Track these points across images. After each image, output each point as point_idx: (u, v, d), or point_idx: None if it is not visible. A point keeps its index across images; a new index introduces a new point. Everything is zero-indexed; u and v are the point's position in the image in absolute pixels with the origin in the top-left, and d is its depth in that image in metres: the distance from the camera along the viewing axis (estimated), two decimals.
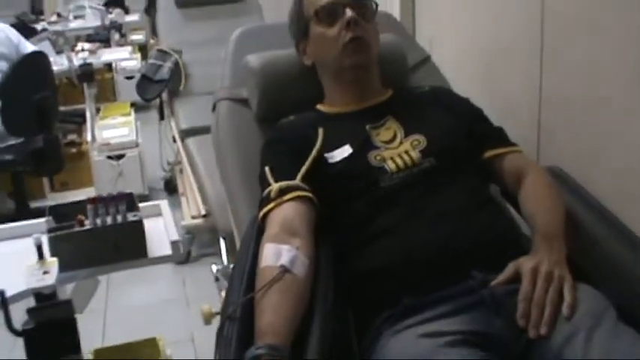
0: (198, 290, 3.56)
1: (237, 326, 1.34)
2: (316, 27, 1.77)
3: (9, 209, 4.26)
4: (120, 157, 4.48)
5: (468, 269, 1.43)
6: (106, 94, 6.35)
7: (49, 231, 1.72)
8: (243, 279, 1.44)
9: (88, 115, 4.78)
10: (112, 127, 4.62)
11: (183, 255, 3.42)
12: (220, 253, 3.60)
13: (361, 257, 1.54)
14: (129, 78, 6.33)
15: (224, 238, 3.60)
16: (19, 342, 1.61)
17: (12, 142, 3.87)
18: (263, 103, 1.91)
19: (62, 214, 1.78)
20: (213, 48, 4.34)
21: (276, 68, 1.92)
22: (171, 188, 4.64)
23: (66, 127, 5.18)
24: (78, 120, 5.35)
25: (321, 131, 1.68)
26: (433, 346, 1.31)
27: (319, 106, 1.84)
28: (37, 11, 8.15)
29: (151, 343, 2.28)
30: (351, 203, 1.60)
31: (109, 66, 6.05)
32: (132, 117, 4.81)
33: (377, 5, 1.83)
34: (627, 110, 1.61)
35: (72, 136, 4.98)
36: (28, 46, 4.11)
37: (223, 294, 2.71)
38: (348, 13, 1.71)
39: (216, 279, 3.46)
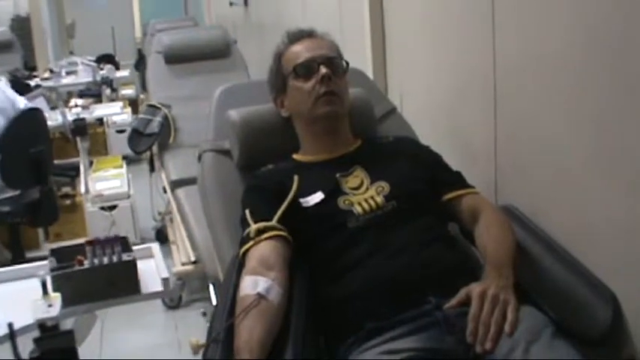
0: (190, 334, 3.68)
1: (220, 348, 1.52)
2: (294, 81, 1.97)
3: (6, 259, 4.39)
4: (112, 207, 4.61)
5: (424, 295, 1.61)
6: (98, 148, 6.46)
7: (52, 270, 1.90)
8: (226, 308, 1.62)
9: (81, 167, 4.93)
10: (105, 180, 4.77)
11: (174, 292, 3.54)
12: (210, 298, 3.76)
13: (329, 288, 1.72)
14: (120, 132, 6.47)
15: (213, 284, 3.75)
16: None
17: (9, 194, 3.99)
18: (244, 154, 2.09)
19: (63, 256, 1.96)
20: (200, 102, 4.49)
21: (255, 121, 2.11)
22: (162, 237, 4.73)
23: (59, 180, 5.29)
24: (71, 173, 5.46)
25: (296, 178, 1.87)
26: None
27: (295, 156, 2.03)
28: (30, 67, 8.35)
29: None
30: (322, 242, 1.78)
31: (100, 120, 6.18)
32: (124, 169, 4.96)
33: (348, 64, 2.04)
34: (573, 151, 1.79)
35: (66, 189, 5.10)
36: (21, 102, 4.28)
37: (194, 338, 2.90)
38: (323, 69, 1.92)
39: (209, 322, 3.61)
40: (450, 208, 1.93)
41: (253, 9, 6.23)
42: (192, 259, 3.84)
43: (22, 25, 9.22)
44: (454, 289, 1.58)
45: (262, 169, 1.98)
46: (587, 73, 1.70)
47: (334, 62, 1.98)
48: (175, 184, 3.92)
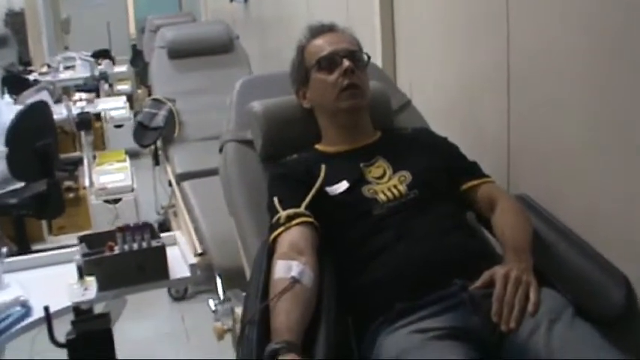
0: (196, 324, 3.75)
1: (255, 329, 1.59)
2: (317, 74, 2.04)
3: (12, 252, 4.44)
4: (116, 201, 4.69)
5: (450, 278, 1.68)
6: (96, 143, 6.52)
7: (84, 256, 1.96)
8: (259, 291, 1.69)
9: (85, 161, 5.00)
10: (109, 173, 4.83)
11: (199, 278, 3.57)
12: (216, 289, 3.82)
13: (358, 273, 1.79)
14: (118, 127, 6.53)
15: (220, 276, 3.82)
16: None
17: (14, 186, 4.07)
18: (267, 144, 2.15)
19: (92, 242, 2.02)
20: (204, 97, 4.62)
21: (277, 113, 2.18)
22: (164, 230, 4.81)
23: (59, 175, 5.38)
24: (70, 167, 5.54)
25: (323, 168, 1.94)
26: (421, 339, 1.57)
27: (317, 146, 2.10)
28: (24, 62, 8.38)
29: None
30: (348, 229, 1.85)
31: (97, 116, 6.28)
32: (127, 163, 5.03)
33: (369, 57, 2.11)
34: (584, 141, 1.87)
35: (68, 182, 5.18)
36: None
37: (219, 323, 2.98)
38: (345, 62, 2.00)
39: (214, 312, 3.68)
40: (467, 197, 2.00)
41: (254, 5, 6.28)
42: (199, 251, 3.89)
43: (15, 20, 9.21)
44: (477, 272, 1.65)
45: (287, 159, 2.05)
46: (601, 65, 1.78)
47: (356, 55, 2.05)
48: (181, 177, 3.99)
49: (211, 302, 3.77)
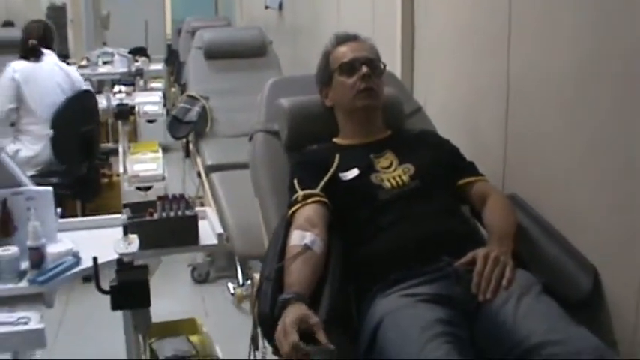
0: (216, 305, 4.03)
1: (271, 285, 1.89)
2: (339, 77, 2.34)
3: None
4: (148, 188, 4.99)
5: (440, 255, 1.97)
6: (129, 136, 6.79)
7: (128, 219, 2.26)
8: (276, 254, 1.99)
9: (120, 149, 5.30)
10: (142, 162, 5.14)
11: (225, 247, 3.71)
12: (237, 274, 4.11)
13: (361, 248, 2.08)
14: (150, 122, 6.84)
15: (240, 263, 4.10)
16: None
17: (56, 168, 4.30)
18: (291, 136, 2.46)
19: (135, 209, 2.32)
20: (236, 96, 4.90)
21: (302, 109, 2.48)
22: None
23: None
24: (102, 157, 5.84)
25: (337, 157, 2.23)
26: (410, 301, 1.87)
27: (335, 140, 2.39)
28: (63, 55, 8.69)
29: (191, 322, 2.79)
30: (356, 210, 2.15)
31: (132, 109, 6.56)
32: (159, 154, 5.33)
33: (385, 66, 2.41)
34: (569, 150, 2.15)
35: (103, 170, 5.47)
36: (81, 82, 4.61)
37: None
38: (364, 68, 2.29)
39: (232, 294, 3.98)
40: (462, 192, 2.28)
41: (288, 13, 6.54)
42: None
43: (57, 15, 9.52)
44: (464, 252, 1.91)
45: (308, 148, 2.36)
46: (585, 85, 2.06)
47: (374, 63, 2.35)
48: (210, 169, 4.26)
49: (230, 285, 4.08)
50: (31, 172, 4.12)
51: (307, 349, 1.64)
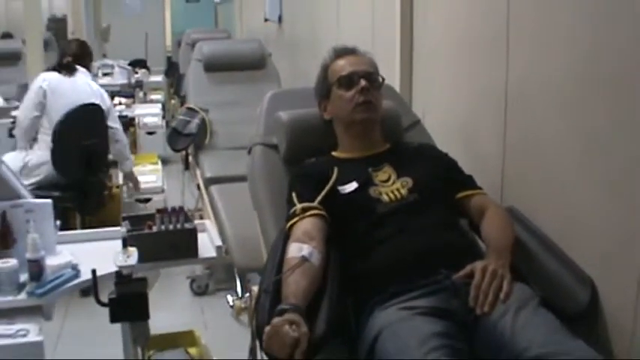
0: (215, 317, 4.03)
1: (269, 297, 1.90)
2: (337, 90, 2.34)
3: None
4: (147, 200, 5.01)
5: (438, 268, 1.98)
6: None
7: (127, 231, 2.27)
8: (274, 267, 2.00)
9: None
10: (142, 174, 5.14)
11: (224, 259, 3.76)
12: (236, 286, 4.11)
13: (360, 260, 2.08)
14: (150, 133, 6.85)
15: (239, 275, 4.10)
16: None
17: (59, 180, 4.30)
18: (290, 149, 2.46)
19: (135, 222, 2.33)
20: (235, 109, 4.92)
21: (301, 122, 2.49)
22: None
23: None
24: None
25: (335, 170, 2.24)
26: (408, 314, 1.88)
27: (334, 153, 2.40)
28: None
29: (190, 335, 2.80)
30: (354, 223, 2.15)
31: (131, 121, 6.54)
32: (159, 166, 5.35)
33: (384, 79, 2.42)
34: (566, 163, 2.15)
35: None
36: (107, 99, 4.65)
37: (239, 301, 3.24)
38: (362, 82, 2.30)
39: (231, 306, 3.98)
40: (461, 205, 2.29)
41: (287, 26, 6.56)
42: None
43: (57, 26, 9.57)
44: (461, 265, 1.93)
45: (306, 161, 2.36)
46: (581, 100, 2.07)
47: (372, 77, 2.36)
48: (209, 182, 4.27)
49: (229, 297, 4.08)
50: (37, 178, 4.24)
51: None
